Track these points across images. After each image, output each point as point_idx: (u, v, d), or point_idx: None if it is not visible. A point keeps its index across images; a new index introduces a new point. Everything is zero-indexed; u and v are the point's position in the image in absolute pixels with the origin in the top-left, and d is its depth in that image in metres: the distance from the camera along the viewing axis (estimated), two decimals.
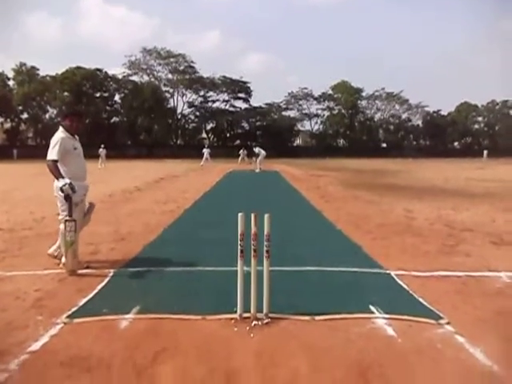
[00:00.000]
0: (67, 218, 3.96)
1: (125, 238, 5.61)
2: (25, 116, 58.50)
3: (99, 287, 3.56)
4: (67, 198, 3.96)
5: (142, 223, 6.62)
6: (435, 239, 5.68)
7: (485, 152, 49.54)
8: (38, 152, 48.79)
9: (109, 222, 6.68)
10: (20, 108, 56.86)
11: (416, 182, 15.72)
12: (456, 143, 68.91)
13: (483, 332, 2.81)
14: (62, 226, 4.04)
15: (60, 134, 4.20)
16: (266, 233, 2.67)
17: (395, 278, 3.93)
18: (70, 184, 3.91)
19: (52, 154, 4.08)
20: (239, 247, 2.72)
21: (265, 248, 2.70)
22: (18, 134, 58.04)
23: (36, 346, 2.56)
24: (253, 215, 2.63)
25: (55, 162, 4.05)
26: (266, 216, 2.65)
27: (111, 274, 3.92)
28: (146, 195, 10.68)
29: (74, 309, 3.11)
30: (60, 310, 3.07)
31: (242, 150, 35.51)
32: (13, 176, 17.27)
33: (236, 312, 2.91)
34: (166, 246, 5.22)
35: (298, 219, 7.35)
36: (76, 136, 4.44)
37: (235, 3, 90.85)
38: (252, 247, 2.68)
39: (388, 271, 4.11)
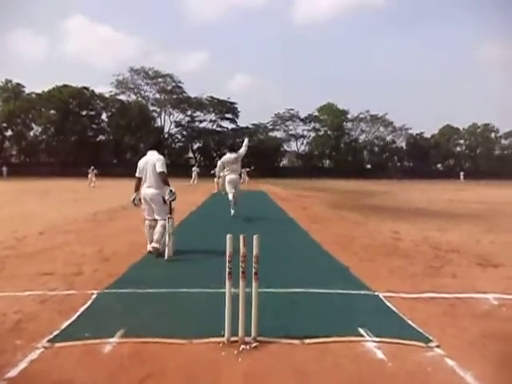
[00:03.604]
0: (169, 215, 5.56)
1: (109, 258, 5.49)
2: (9, 133, 57.85)
3: (82, 309, 3.45)
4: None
5: (127, 243, 6.51)
6: (422, 261, 5.71)
7: (461, 174, 50.91)
8: (22, 169, 48.31)
9: (93, 242, 6.55)
10: (4, 125, 56.25)
11: (401, 204, 15.90)
12: (439, 165, 70.24)
13: (473, 355, 2.80)
14: (163, 222, 5.59)
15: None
16: (254, 254, 2.64)
17: (384, 299, 3.91)
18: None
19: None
20: (227, 269, 2.67)
21: (253, 270, 2.66)
22: (2, 152, 57.23)
23: (14, 372, 2.44)
24: (241, 236, 2.60)
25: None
26: (255, 237, 2.62)
27: (94, 296, 3.81)
28: (131, 214, 10.52)
29: (55, 332, 2.99)
30: (40, 334, 2.96)
31: (194, 168, 33.01)
32: None
33: (223, 336, 2.84)
34: (151, 266, 5.12)
35: (286, 240, 7.32)
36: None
37: (223, 25, 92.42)
38: (240, 269, 2.64)
39: (376, 293, 4.09)
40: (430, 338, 3.02)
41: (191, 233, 7.78)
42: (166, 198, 5.60)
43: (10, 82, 56.94)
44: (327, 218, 10.51)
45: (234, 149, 10.45)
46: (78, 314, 3.35)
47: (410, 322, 3.34)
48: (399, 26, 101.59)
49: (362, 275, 4.77)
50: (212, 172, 19.91)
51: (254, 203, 15.61)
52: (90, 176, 27.37)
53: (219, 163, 10.52)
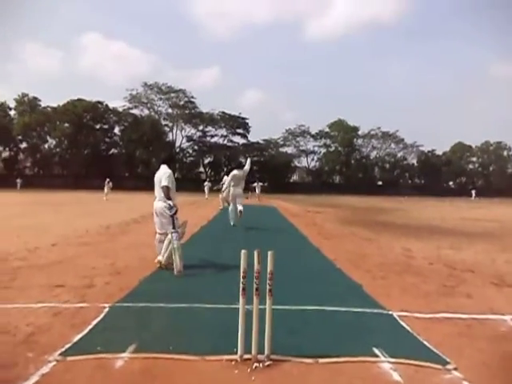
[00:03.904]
0: (173, 230, 5.54)
1: (121, 271, 5.49)
2: (24, 146, 58.88)
3: (94, 323, 3.44)
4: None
5: (139, 257, 6.51)
6: (436, 279, 5.61)
7: (473, 192, 50.06)
8: (35, 181, 49.01)
9: (105, 255, 6.57)
10: (20, 138, 57.31)
11: (413, 221, 15.73)
12: (451, 183, 69.67)
13: (491, 378, 2.72)
14: (169, 237, 5.57)
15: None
16: (269, 270, 2.61)
17: (398, 319, 3.83)
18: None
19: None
20: (241, 285, 2.65)
21: (268, 286, 2.63)
22: (16, 164, 58.20)
23: None
24: (256, 252, 2.58)
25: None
26: (270, 253, 2.60)
27: (106, 309, 3.80)
28: (143, 227, 10.57)
29: (67, 345, 2.98)
30: (52, 347, 2.95)
31: (206, 182, 33.12)
32: (11, 205, 17.10)
33: (236, 353, 2.80)
34: (162, 280, 5.10)
35: (297, 256, 7.27)
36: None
37: (234, 41, 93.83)
38: (254, 285, 2.61)
39: (390, 312, 4.01)
40: (447, 359, 2.95)
41: (202, 247, 7.78)
42: (167, 212, 5.62)
43: (27, 95, 58.31)
44: (339, 235, 10.43)
45: (241, 166, 11.55)
46: (90, 327, 3.34)
47: (425, 342, 3.27)
48: (410, 43, 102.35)
49: (376, 293, 4.70)
50: (218, 187, 20.16)
51: (265, 219, 15.57)
52: (105, 189, 27.54)
53: (228, 178, 11.51)
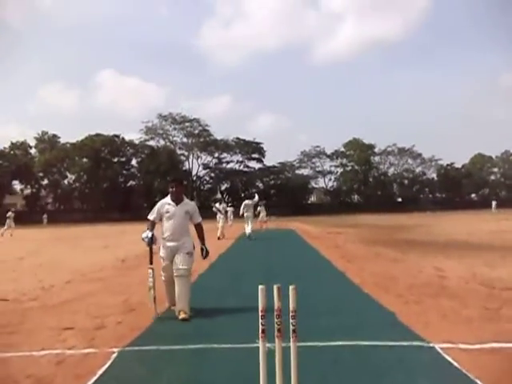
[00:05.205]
0: (149, 265, 4.73)
1: (135, 308, 5.17)
2: (45, 182, 60.14)
3: (100, 372, 3.09)
4: (149, 247, 4.79)
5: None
6: (475, 301, 5.12)
7: (493, 203, 47.72)
8: (58, 216, 49.66)
9: (119, 291, 6.27)
10: (41, 174, 58.60)
11: (438, 237, 15.07)
12: (473, 195, 67.95)
13: None
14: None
15: (164, 199, 5.04)
16: (291, 308, 2.25)
17: (441, 352, 3.37)
18: (151, 237, 4.73)
19: (150, 213, 5.01)
20: (260, 326, 2.28)
21: (291, 327, 2.26)
22: (38, 200, 59.29)
23: None
24: (275, 287, 2.22)
25: (149, 220, 4.96)
26: (291, 288, 2.24)
27: (115, 355, 3.45)
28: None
29: None
30: None
31: (228, 208, 31.45)
32: (30, 241, 17.07)
33: None
34: (177, 319, 4.74)
35: (321, 283, 6.82)
36: (180, 201, 4.98)
37: (244, 68, 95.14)
38: (276, 326, 2.24)
39: (431, 344, 3.55)
40: None
41: (219, 277, 7.41)
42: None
43: (47, 133, 59.96)
44: (363, 257, 9.93)
45: (251, 197, 17.76)
46: (95, 378, 3.00)
47: (478, 381, 2.81)
48: (421, 57, 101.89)
49: (411, 321, 4.26)
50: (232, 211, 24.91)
51: (284, 243, 15.17)
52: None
53: (242, 206, 16.87)
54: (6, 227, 23.50)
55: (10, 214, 24.79)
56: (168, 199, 4.97)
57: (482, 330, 3.96)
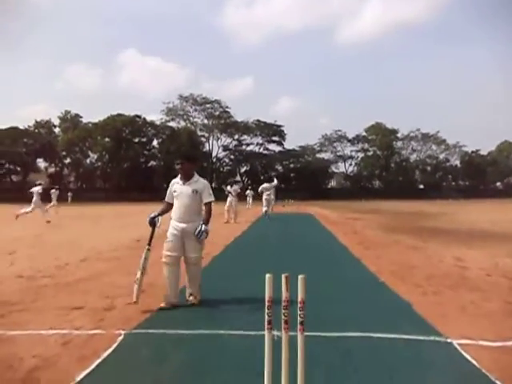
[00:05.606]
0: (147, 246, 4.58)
1: (145, 290, 5.12)
2: (68, 161, 61.25)
3: (105, 355, 3.04)
4: (152, 228, 4.65)
5: None
6: (497, 295, 4.89)
7: None
8: (80, 195, 50.57)
9: (131, 272, 6.23)
10: (64, 153, 59.64)
11: (460, 225, 14.66)
12: (499, 183, 66.14)
13: None
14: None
15: (175, 178, 4.84)
16: (299, 299, 2.11)
17: (459, 349, 3.19)
18: (152, 217, 4.62)
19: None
20: (266, 316, 2.16)
21: (299, 319, 2.13)
22: (62, 178, 60.51)
23: None
24: (283, 277, 2.08)
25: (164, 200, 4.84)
26: (300, 278, 2.10)
27: (121, 337, 3.40)
28: None
29: None
30: None
31: (248, 191, 30.91)
32: (54, 219, 17.32)
33: None
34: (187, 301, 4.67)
35: (336, 270, 6.66)
36: (189, 178, 4.72)
37: (266, 49, 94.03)
38: (283, 317, 2.11)
39: (449, 340, 3.37)
40: None
41: (232, 262, 7.33)
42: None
43: (69, 112, 60.81)
44: (381, 243, 9.71)
45: (270, 180, 19.13)
46: (99, 360, 2.94)
47: (498, 383, 2.64)
48: (447, 41, 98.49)
49: (428, 314, 4.07)
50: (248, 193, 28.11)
51: (301, 228, 15.01)
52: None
53: (260, 188, 19.25)
54: (51, 204, 23.00)
55: (53, 191, 24.37)
56: (178, 178, 4.79)
57: (503, 326, 3.76)
